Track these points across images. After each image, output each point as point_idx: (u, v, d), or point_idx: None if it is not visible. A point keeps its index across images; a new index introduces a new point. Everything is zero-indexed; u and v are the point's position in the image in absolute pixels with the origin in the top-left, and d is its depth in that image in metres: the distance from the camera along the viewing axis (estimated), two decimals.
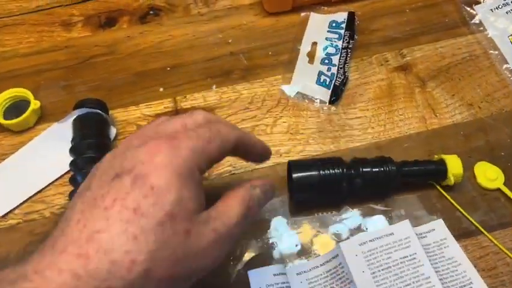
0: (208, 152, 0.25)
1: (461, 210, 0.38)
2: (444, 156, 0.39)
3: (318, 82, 0.45)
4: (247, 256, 0.37)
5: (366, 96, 0.45)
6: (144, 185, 0.23)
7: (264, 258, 0.37)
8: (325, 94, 0.44)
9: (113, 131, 0.42)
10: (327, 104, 0.44)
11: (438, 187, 0.39)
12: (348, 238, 0.37)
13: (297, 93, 0.45)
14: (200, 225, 0.24)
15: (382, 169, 0.37)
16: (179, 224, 0.23)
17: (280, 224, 0.38)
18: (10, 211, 0.39)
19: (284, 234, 0.38)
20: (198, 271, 0.24)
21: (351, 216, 0.39)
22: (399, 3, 0.51)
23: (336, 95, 0.44)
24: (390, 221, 0.38)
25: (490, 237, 0.37)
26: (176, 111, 0.44)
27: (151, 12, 0.51)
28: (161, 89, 0.46)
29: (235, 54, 0.48)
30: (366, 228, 0.38)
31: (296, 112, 0.44)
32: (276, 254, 0.37)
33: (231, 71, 0.47)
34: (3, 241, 0.38)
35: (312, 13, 0.50)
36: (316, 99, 0.45)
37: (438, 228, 0.38)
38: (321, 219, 0.39)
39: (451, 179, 0.38)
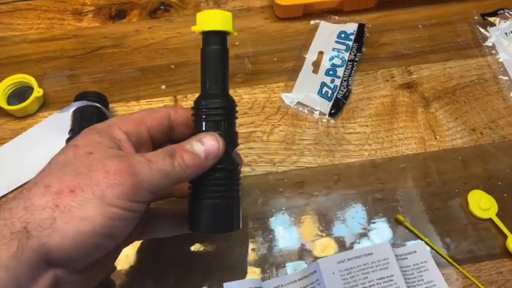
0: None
1: (426, 240, 0.38)
2: None
3: (320, 93, 0.45)
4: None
5: (367, 112, 0.44)
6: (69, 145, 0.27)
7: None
8: (325, 106, 0.44)
9: None
10: (327, 116, 0.44)
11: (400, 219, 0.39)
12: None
13: (297, 102, 0.45)
14: (107, 151, 0.26)
15: None
16: (81, 149, 0.25)
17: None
18: (5, 195, 0.40)
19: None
20: (97, 184, 0.24)
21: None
22: (412, 19, 0.50)
23: (337, 108, 0.44)
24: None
25: (463, 270, 0.37)
26: None
27: (162, 7, 0.51)
28: (163, 87, 0.46)
29: (241, 58, 0.48)
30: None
31: (294, 122, 0.44)
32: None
33: (234, 74, 0.47)
34: None
35: (322, 21, 0.49)
36: (316, 110, 0.44)
37: (419, 251, 0.38)
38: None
39: None
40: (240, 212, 0.31)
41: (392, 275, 0.35)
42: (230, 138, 0.30)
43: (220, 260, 0.37)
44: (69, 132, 0.41)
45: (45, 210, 0.23)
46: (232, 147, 0.31)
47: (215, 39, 0.30)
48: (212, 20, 0.30)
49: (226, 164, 0.30)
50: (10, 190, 0.40)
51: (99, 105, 0.41)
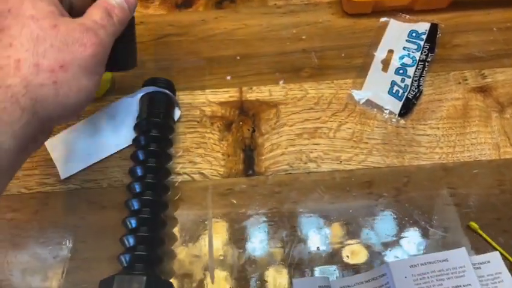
0: None
1: (500, 250, 0.36)
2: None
3: (391, 92, 0.43)
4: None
5: (438, 114, 0.43)
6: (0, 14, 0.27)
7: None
8: (396, 105, 0.43)
9: (177, 113, 0.43)
10: (397, 116, 0.43)
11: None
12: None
13: (366, 100, 0.43)
14: (66, 21, 0.28)
15: None
16: (43, 22, 0.27)
17: None
18: (71, 176, 0.41)
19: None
20: (83, 58, 0.28)
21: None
22: (486, 20, 0.48)
23: (407, 108, 0.43)
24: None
25: None
26: (241, 102, 0.44)
27: None
28: (228, 77, 0.46)
29: (307, 52, 0.47)
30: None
31: (362, 120, 0.43)
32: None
33: (300, 68, 0.46)
34: (61, 205, 0.39)
35: (391, 19, 0.48)
36: (385, 109, 0.43)
37: (493, 260, 0.36)
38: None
39: None
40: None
41: (469, 284, 0.33)
42: None
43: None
44: (136, 118, 0.41)
45: (45, 87, 0.26)
46: None
47: None
48: None
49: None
50: (74, 172, 0.41)
51: (168, 92, 0.41)
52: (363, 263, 0.36)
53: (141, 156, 0.38)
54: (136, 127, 0.40)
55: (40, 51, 0.26)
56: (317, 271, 0.36)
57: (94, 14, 0.30)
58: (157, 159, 0.38)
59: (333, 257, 0.37)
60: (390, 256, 0.37)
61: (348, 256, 0.37)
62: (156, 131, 0.39)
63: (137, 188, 0.37)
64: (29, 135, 0.27)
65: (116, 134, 0.42)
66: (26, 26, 0.27)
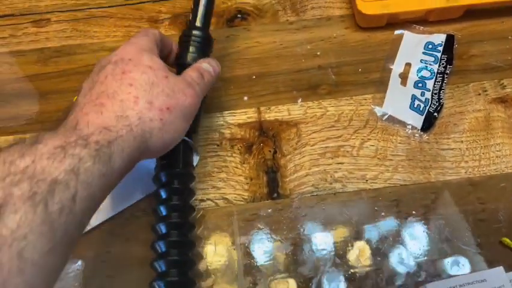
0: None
1: None
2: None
3: (412, 107, 0.43)
4: None
5: (460, 127, 0.42)
6: (122, 61, 0.33)
7: None
8: (418, 120, 0.42)
9: (196, 158, 0.41)
10: (419, 131, 0.42)
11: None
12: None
13: (388, 116, 0.43)
14: (173, 75, 0.34)
15: None
16: (158, 72, 0.33)
17: None
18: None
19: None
20: (184, 105, 0.33)
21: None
22: (501, 29, 0.48)
23: (429, 123, 0.42)
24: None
25: None
26: (260, 123, 0.43)
27: (239, 16, 0.50)
28: (245, 98, 0.45)
29: (324, 68, 0.46)
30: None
31: (385, 136, 0.42)
32: None
33: (318, 85, 0.45)
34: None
35: (406, 31, 0.48)
36: (408, 124, 0.42)
37: None
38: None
39: None
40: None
41: None
42: None
43: None
44: (155, 168, 0.38)
45: (154, 122, 0.31)
46: None
47: None
48: None
49: None
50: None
51: (186, 138, 0.37)
52: (400, 285, 0.36)
53: (163, 210, 0.36)
54: (155, 180, 0.37)
55: (154, 93, 0.32)
56: None
57: (191, 73, 0.36)
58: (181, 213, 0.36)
59: (366, 279, 0.36)
60: (424, 277, 0.36)
61: (382, 279, 0.36)
62: (177, 181, 0.37)
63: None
64: (132, 160, 0.30)
65: (140, 182, 0.40)
66: (145, 72, 0.32)
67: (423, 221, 0.38)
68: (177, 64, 0.40)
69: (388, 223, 0.38)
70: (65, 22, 0.50)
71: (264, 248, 0.38)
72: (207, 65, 0.38)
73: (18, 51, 0.48)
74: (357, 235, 0.38)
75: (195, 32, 0.39)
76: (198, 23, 0.40)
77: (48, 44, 0.48)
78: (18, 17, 0.50)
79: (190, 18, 0.41)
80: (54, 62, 0.47)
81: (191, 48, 0.39)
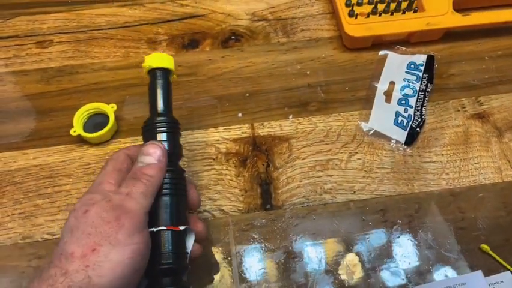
0: None
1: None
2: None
3: (396, 122, 0.46)
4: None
5: (441, 141, 0.45)
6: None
7: None
8: (401, 135, 0.45)
9: (189, 244, 0.35)
10: (403, 145, 0.45)
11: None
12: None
13: (374, 131, 0.46)
14: (101, 204, 0.30)
15: None
16: (77, 212, 0.30)
17: None
18: None
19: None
20: (117, 232, 0.29)
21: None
22: (478, 50, 0.51)
23: (412, 137, 0.45)
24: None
25: None
26: (254, 138, 0.46)
27: (233, 37, 0.53)
28: (239, 114, 0.47)
29: (313, 87, 0.49)
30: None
31: (371, 150, 0.45)
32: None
33: (308, 102, 0.48)
34: None
35: (390, 52, 0.51)
36: (392, 139, 0.45)
37: (506, 280, 0.38)
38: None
39: None
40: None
41: None
42: (176, 147, 0.36)
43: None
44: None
45: (79, 272, 0.27)
46: (177, 156, 0.36)
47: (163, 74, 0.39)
48: (160, 60, 0.39)
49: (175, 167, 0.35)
50: None
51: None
52: None
53: None
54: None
55: (74, 240, 0.29)
56: None
57: (128, 182, 0.32)
58: None
59: (357, 286, 0.38)
60: (409, 282, 0.38)
61: (370, 283, 0.38)
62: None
63: None
64: None
65: None
66: (68, 220, 0.31)
67: (407, 230, 0.41)
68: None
69: (375, 232, 0.41)
70: (67, 43, 0.52)
71: (258, 256, 0.40)
72: (143, 157, 0.33)
73: (22, 71, 0.50)
74: (346, 244, 0.40)
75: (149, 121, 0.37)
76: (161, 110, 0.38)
77: (51, 64, 0.51)
78: (22, 38, 0.53)
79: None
80: (57, 81, 0.50)
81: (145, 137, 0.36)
